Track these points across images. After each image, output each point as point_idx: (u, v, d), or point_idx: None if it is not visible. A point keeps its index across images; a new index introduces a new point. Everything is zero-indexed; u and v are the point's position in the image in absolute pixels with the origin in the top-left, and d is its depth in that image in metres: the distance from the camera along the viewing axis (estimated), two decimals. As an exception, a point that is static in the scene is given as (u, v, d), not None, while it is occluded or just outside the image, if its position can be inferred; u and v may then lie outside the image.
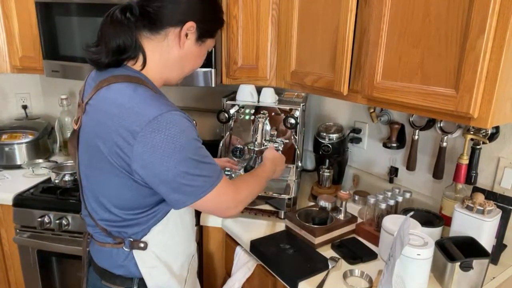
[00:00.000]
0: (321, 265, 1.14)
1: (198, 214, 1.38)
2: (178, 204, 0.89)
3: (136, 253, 0.97)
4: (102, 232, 0.98)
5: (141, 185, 0.88)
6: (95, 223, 0.99)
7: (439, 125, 1.34)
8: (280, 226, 1.37)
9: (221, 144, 1.53)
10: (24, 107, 2.23)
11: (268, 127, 1.49)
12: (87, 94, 0.94)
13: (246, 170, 1.36)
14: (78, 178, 1.01)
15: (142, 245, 0.96)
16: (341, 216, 1.32)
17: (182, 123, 0.84)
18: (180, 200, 0.87)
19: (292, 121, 1.40)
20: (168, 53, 0.94)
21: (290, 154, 1.56)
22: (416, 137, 1.42)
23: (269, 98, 1.53)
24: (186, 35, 0.93)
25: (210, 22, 0.99)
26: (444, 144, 1.33)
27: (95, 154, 0.89)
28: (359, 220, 1.38)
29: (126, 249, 0.97)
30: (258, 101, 1.53)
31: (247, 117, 1.56)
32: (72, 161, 1.85)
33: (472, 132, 1.21)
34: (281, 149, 1.49)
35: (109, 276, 1.01)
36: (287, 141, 1.50)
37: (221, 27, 1.04)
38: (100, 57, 0.90)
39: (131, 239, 0.96)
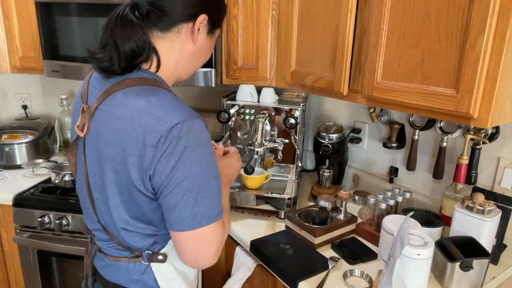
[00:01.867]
0: (321, 265, 1.14)
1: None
2: (171, 225, 0.80)
3: (155, 266, 0.91)
4: (118, 245, 0.91)
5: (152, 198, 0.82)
6: (110, 237, 0.91)
7: (439, 125, 1.35)
8: (280, 226, 1.37)
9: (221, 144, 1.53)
10: (24, 107, 2.23)
11: (268, 127, 1.49)
12: (94, 98, 0.86)
13: (246, 170, 1.36)
14: (87, 192, 0.91)
15: (161, 257, 0.90)
16: (341, 216, 1.32)
17: (203, 133, 0.79)
18: (172, 221, 0.79)
19: (292, 121, 1.40)
20: (182, 51, 0.88)
21: (290, 154, 1.56)
22: (416, 137, 1.42)
23: (269, 98, 1.53)
24: (199, 29, 0.88)
25: (219, 11, 0.94)
26: (444, 144, 1.33)
27: (110, 163, 0.82)
28: (359, 220, 1.38)
29: (144, 263, 0.90)
30: (258, 101, 1.53)
31: (247, 117, 1.56)
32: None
33: (472, 132, 1.21)
34: (281, 148, 1.49)
35: None
36: (286, 141, 1.50)
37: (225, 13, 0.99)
38: (111, 64, 0.81)
39: (150, 252, 0.90)
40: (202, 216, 0.78)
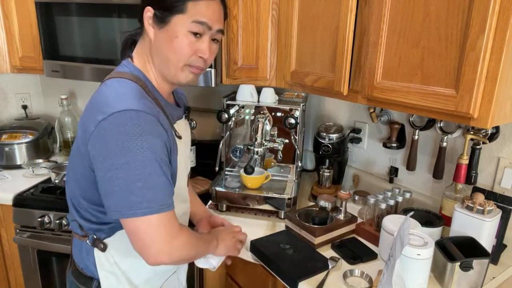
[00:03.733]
0: (321, 265, 1.14)
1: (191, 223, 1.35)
2: (109, 212, 0.82)
3: (96, 252, 0.95)
4: (74, 219, 0.98)
5: None
6: (69, 211, 0.99)
7: (439, 125, 1.34)
8: (280, 226, 1.37)
9: (221, 144, 1.53)
10: (24, 107, 2.23)
11: (268, 127, 1.49)
12: None
13: (246, 170, 1.36)
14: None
15: (101, 245, 0.94)
16: (341, 216, 1.32)
17: (147, 128, 0.80)
18: (109, 206, 0.81)
19: (292, 121, 1.40)
20: (148, 47, 0.93)
21: (290, 154, 1.56)
22: (416, 137, 1.42)
23: (269, 98, 1.53)
24: (150, 22, 0.89)
25: None
26: (444, 144, 1.33)
27: (76, 141, 0.91)
28: (359, 220, 1.38)
29: (89, 245, 0.96)
30: (258, 101, 1.53)
31: (247, 117, 1.56)
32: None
33: (472, 132, 1.21)
34: (280, 148, 1.49)
35: (77, 273, 1.01)
36: (286, 141, 1.50)
37: None
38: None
39: (95, 236, 0.94)
40: (138, 207, 0.79)
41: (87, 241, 0.96)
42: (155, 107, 0.88)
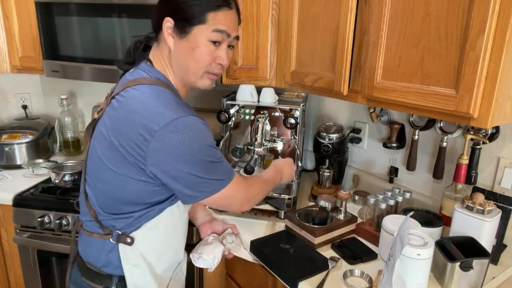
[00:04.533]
0: (321, 265, 1.14)
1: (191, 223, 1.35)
2: (189, 200, 0.93)
3: (122, 247, 0.97)
4: (94, 220, 0.99)
5: (151, 181, 0.91)
6: (89, 209, 1.00)
7: (439, 125, 1.34)
8: (280, 226, 1.37)
9: (221, 144, 1.53)
10: (24, 107, 2.23)
11: (268, 127, 1.49)
12: (116, 90, 0.98)
13: (246, 170, 1.36)
14: (84, 162, 1.03)
15: (129, 240, 0.96)
16: (341, 216, 1.32)
17: (198, 128, 0.88)
18: (192, 195, 0.91)
19: (292, 121, 1.40)
20: (165, 57, 0.97)
21: (290, 154, 1.56)
22: (416, 137, 1.42)
23: (269, 98, 1.52)
24: (169, 33, 0.93)
25: (186, 8, 0.90)
26: (444, 144, 1.33)
27: (108, 144, 0.91)
28: (359, 220, 1.38)
29: (113, 242, 0.97)
30: (258, 101, 1.53)
31: (247, 117, 1.56)
32: (72, 161, 1.86)
33: (472, 132, 1.21)
34: (281, 148, 1.49)
35: (90, 273, 1.02)
36: (283, 137, 1.49)
37: (211, 5, 0.91)
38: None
39: (119, 232, 0.97)
40: (218, 184, 0.93)
41: (110, 239, 0.97)
42: (189, 109, 0.94)
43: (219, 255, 1.16)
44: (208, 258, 1.13)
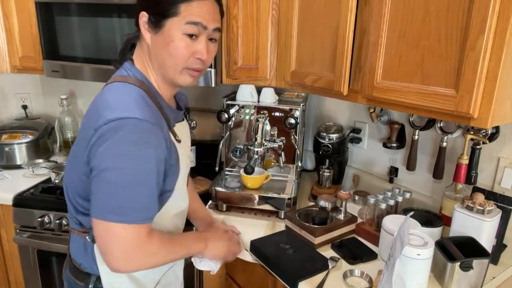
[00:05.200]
0: (321, 265, 1.14)
1: (188, 222, 1.33)
2: (91, 211, 0.84)
3: (96, 248, 0.95)
4: (72, 216, 0.99)
5: None
6: (67, 206, 1.01)
7: (439, 125, 1.34)
8: (280, 226, 1.37)
9: (221, 144, 1.53)
10: (24, 107, 2.23)
11: (268, 127, 1.49)
12: None
13: (246, 170, 1.36)
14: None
15: None
16: (341, 216, 1.32)
17: (150, 136, 0.82)
18: (91, 207, 0.84)
19: (292, 121, 1.40)
20: (147, 53, 0.93)
21: (290, 154, 1.56)
22: (416, 137, 1.42)
23: (269, 98, 1.53)
24: (146, 28, 0.90)
25: (159, 2, 0.87)
26: (444, 144, 1.33)
27: (76, 142, 0.93)
28: (359, 220, 1.38)
29: (89, 240, 0.96)
30: (258, 101, 1.53)
31: (247, 117, 1.56)
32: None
33: (472, 132, 1.21)
34: (281, 152, 1.49)
35: (74, 270, 1.02)
36: (279, 141, 1.49)
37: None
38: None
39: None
40: (112, 212, 0.80)
41: (87, 237, 0.97)
42: (158, 114, 0.89)
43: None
44: (210, 261, 1.12)
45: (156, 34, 0.88)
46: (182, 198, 1.07)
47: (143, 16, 0.89)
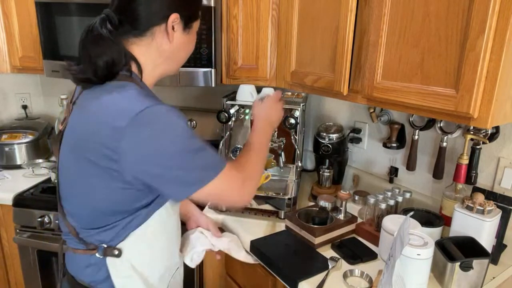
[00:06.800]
0: (321, 265, 1.14)
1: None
2: (176, 197, 0.89)
3: (110, 260, 0.91)
4: (75, 237, 0.93)
5: (129, 186, 0.83)
6: (68, 227, 0.94)
7: (439, 125, 1.34)
8: (280, 226, 1.37)
9: (221, 144, 1.53)
10: (24, 107, 2.23)
11: (268, 127, 1.49)
12: (76, 94, 0.93)
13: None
14: (56, 178, 0.97)
15: (116, 252, 0.90)
16: (341, 216, 1.32)
17: (169, 116, 0.80)
18: (178, 192, 0.85)
19: (292, 121, 1.40)
20: (160, 52, 0.91)
21: (290, 154, 1.56)
22: (416, 137, 1.42)
23: (269, 98, 1.52)
24: (173, 28, 0.90)
25: (191, 5, 0.95)
26: (444, 144, 1.33)
27: (79, 156, 0.85)
28: (359, 220, 1.38)
29: (99, 256, 0.90)
30: (258, 101, 1.53)
31: (247, 117, 1.56)
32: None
33: (472, 132, 1.21)
34: (282, 155, 1.49)
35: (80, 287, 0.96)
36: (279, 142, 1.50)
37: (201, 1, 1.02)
38: (87, 76, 0.84)
39: (105, 245, 0.90)
40: (202, 176, 0.84)
41: (97, 254, 0.91)
42: (157, 99, 0.88)
43: (199, 249, 1.17)
44: (188, 257, 1.14)
45: (184, 34, 0.94)
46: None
47: (176, 18, 0.89)
